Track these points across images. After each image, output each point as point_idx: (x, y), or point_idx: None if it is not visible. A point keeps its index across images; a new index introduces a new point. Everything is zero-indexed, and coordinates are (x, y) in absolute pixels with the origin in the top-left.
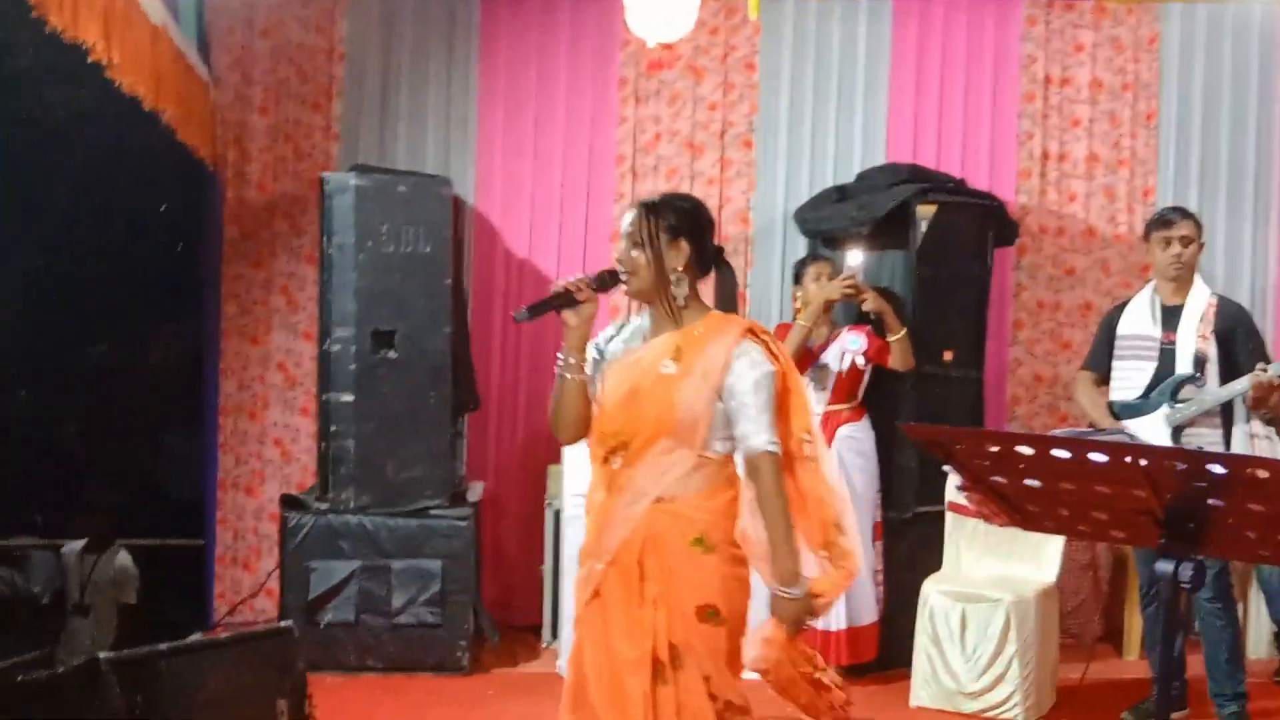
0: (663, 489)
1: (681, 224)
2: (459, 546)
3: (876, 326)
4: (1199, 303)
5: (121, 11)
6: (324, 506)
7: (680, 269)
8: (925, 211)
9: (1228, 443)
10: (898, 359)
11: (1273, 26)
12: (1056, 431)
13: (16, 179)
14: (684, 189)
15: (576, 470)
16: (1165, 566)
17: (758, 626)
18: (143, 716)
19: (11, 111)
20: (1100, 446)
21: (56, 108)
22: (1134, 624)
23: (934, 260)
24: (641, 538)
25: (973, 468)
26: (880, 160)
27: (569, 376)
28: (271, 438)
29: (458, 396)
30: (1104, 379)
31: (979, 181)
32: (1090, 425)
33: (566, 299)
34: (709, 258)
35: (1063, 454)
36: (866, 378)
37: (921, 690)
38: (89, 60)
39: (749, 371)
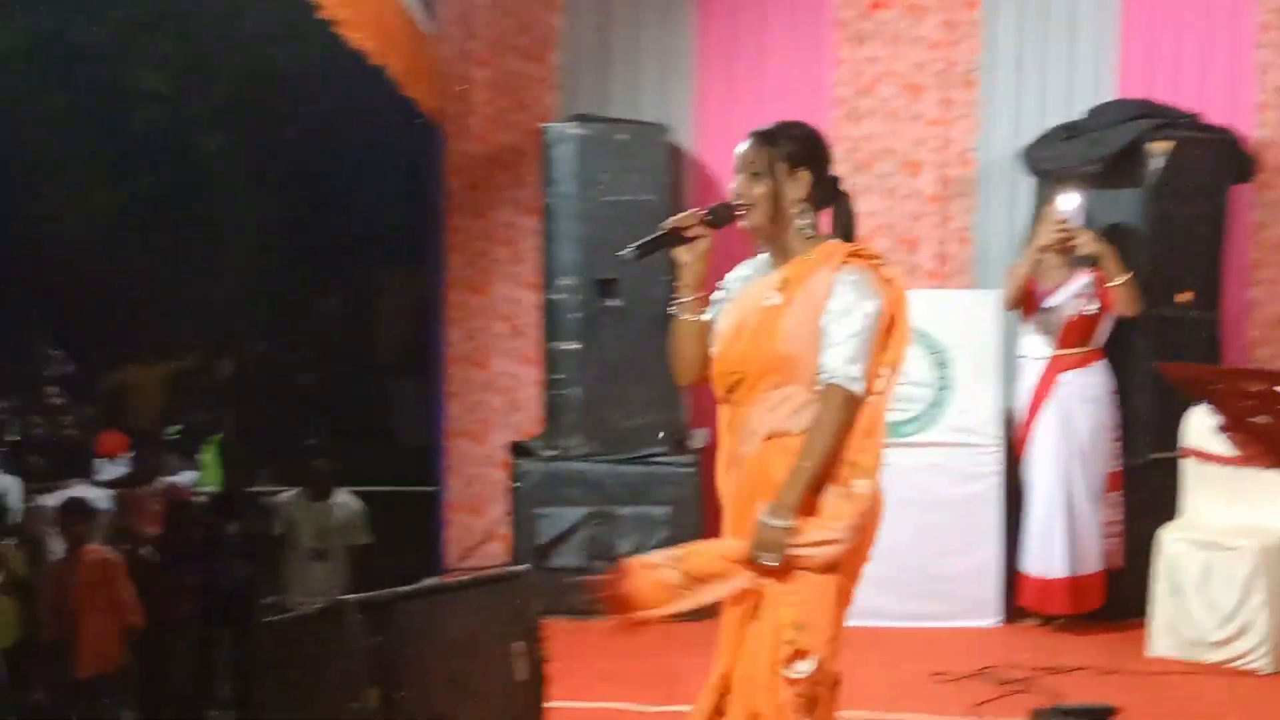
0: (772, 426)
1: (800, 153)
2: (684, 493)
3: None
4: None
5: None
6: (551, 454)
7: (802, 199)
8: (1159, 148)
9: None
10: (1121, 304)
11: None
12: None
13: (249, 136)
14: (903, 132)
15: None
16: None
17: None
18: (386, 657)
19: (243, 68)
20: None
21: (286, 63)
22: None
23: (1168, 198)
24: (752, 478)
25: (1234, 408)
26: (1111, 96)
27: (684, 316)
28: (497, 386)
29: None
30: None
31: (1215, 116)
32: None
33: (676, 236)
34: (828, 188)
35: None
36: (1106, 324)
37: (1160, 639)
38: (317, 16)
39: (843, 297)
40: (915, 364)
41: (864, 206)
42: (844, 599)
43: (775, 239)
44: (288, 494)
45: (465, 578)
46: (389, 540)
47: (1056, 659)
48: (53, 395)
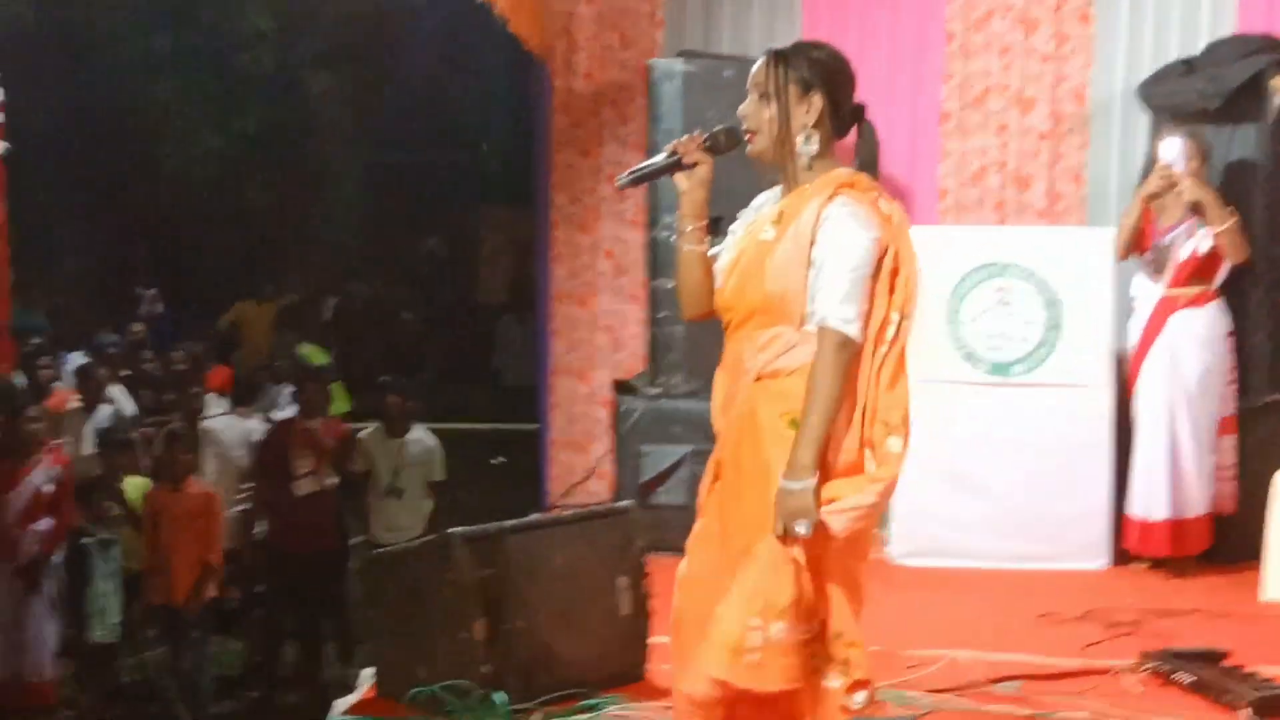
0: (761, 366)
1: (815, 75)
2: None
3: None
4: None
5: None
6: (654, 391)
7: (811, 126)
8: None
9: None
10: (1226, 250)
11: None
12: None
13: (355, 75)
14: (1016, 66)
15: None
16: None
17: None
18: (493, 589)
19: (349, 8)
20: None
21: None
22: None
23: None
24: (741, 419)
25: None
26: (1230, 31)
27: (686, 247)
28: (601, 324)
29: None
30: None
31: None
32: None
33: (673, 162)
34: (846, 117)
35: None
36: (1223, 265)
37: (1274, 584)
38: None
39: (833, 232)
40: (1025, 302)
41: (974, 143)
42: (860, 553)
43: (782, 167)
44: (366, 430)
45: (571, 513)
46: (493, 477)
47: (1166, 602)
48: (149, 333)
